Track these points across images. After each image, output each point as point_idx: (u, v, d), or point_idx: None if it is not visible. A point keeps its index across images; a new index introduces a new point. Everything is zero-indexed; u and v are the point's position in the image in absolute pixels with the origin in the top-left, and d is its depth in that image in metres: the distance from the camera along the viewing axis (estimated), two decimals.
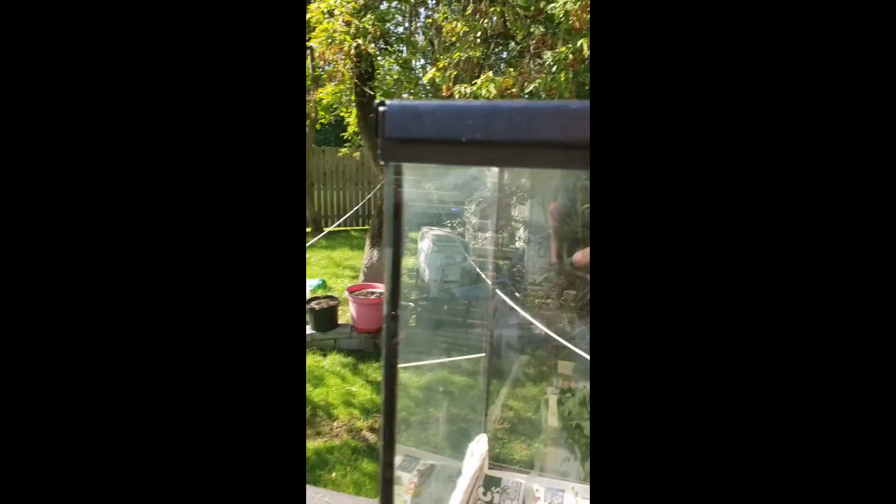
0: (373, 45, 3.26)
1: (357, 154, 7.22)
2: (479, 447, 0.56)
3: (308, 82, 5.02)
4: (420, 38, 4.13)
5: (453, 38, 3.13)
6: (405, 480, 0.40)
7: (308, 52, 3.56)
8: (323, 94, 4.71)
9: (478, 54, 3.01)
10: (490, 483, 0.56)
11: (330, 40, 3.03)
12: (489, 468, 0.56)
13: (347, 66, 3.19)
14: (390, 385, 0.34)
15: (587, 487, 0.53)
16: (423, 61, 4.67)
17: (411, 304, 4.17)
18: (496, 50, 3.20)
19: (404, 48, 4.25)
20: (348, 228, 8.06)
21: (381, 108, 0.27)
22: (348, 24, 3.04)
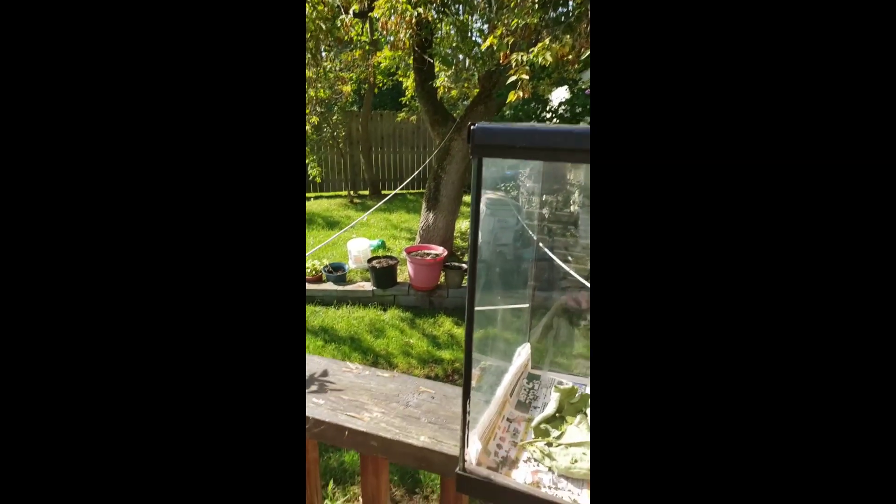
0: (433, 12, 3.35)
1: (414, 118, 7.35)
2: (523, 352, 0.74)
3: (367, 47, 5.16)
4: (480, 2, 4.16)
5: (511, 4, 3.17)
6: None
7: (367, 21, 3.69)
8: (381, 58, 4.85)
9: (535, 20, 3.04)
10: (532, 378, 0.74)
11: (392, 10, 3.16)
12: (532, 368, 0.75)
13: (408, 35, 3.32)
14: (468, 343, 0.50)
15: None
16: (479, 23, 4.69)
17: (464, 265, 4.34)
18: (553, 15, 3.21)
19: (461, 7, 4.28)
20: (404, 192, 8.28)
21: (472, 127, 0.43)
22: None
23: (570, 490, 0.53)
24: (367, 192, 8.24)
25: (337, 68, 5.92)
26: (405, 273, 4.43)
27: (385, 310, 4.15)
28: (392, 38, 3.32)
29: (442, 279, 4.40)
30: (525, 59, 2.76)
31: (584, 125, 0.39)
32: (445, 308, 4.16)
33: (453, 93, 5.95)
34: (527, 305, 0.82)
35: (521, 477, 0.54)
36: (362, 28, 4.59)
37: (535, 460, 0.56)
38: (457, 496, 0.66)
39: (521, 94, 2.82)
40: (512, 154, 0.44)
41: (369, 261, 4.46)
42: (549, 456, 0.56)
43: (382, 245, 5.36)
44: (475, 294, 0.49)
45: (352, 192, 7.99)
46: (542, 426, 0.61)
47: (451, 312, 4.09)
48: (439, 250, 4.41)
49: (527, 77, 2.76)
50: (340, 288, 4.35)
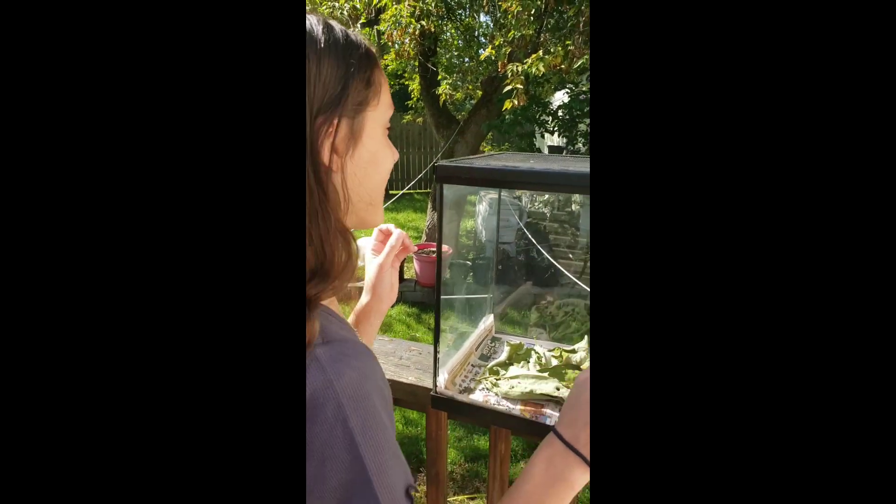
0: (437, 21, 3.59)
1: (420, 119, 7.59)
2: (487, 321, 1.00)
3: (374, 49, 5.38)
4: (481, 17, 4.39)
5: (509, 16, 3.40)
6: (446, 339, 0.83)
7: (375, 32, 3.95)
8: (388, 61, 5.10)
9: (530, 32, 3.26)
10: (494, 339, 0.99)
11: (396, 23, 3.40)
12: (495, 333, 1.01)
13: (412, 45, 3.56)
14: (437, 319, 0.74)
15: (553, 344, 0.95)
16: (486, 20, 4.92)
17: (468, 262, 4.58)
18: (548, 26, 3.43)
19: (465, 11, 4.50)
20: (412, 192, 8.53)
21: (437, 164, 0.67)
22: (413, 6, 3.38)
23: (507, 406, 0.77)
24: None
25: None
26: (412, 270, 4.68)
27: (392, 305, 4.40)
28: (397, 46, 3.56)
29: (448, 276, 4.63)
30: (520, 69, 2.98)
31: (527, 154, 0.62)
32: (451, 304, 4.40)
33: (458, 95, 6.19)
34: (489, 295, 1.06)
35: (476, 398, 0.78)
36: (369, 37, 4.84)
37: (487, 389, 0.80)
38: (437, 421, 0.91)
39: (516, 102, 3.05)
40: (464, 182, 0.68)
41: None
42: (496, 385, 0.80)
43: None
44: (441, 278, 0.73)
45: None
46: (494, 368, 0.85)
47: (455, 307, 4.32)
48: (444, 248, 4.64)
49: (521, 87, 2.99)
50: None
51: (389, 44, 3.70)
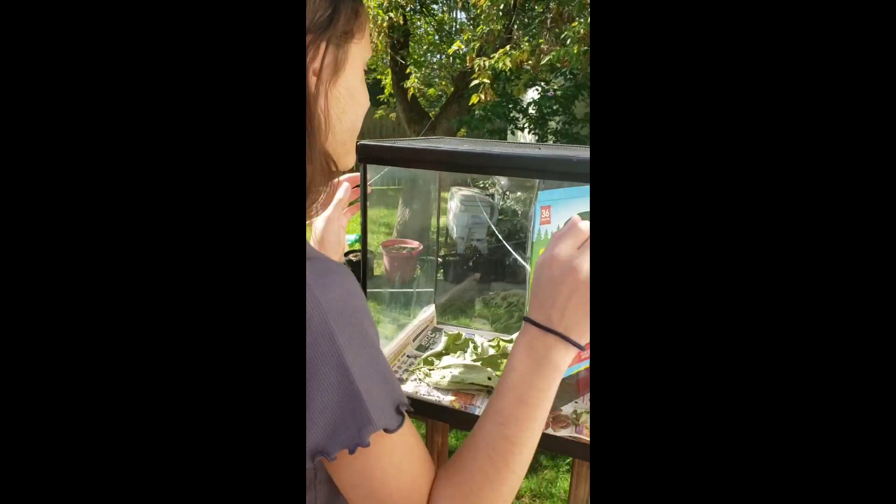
0: (408, 14, 3.55)
1: (393, 115, 7.54)
2: (427, 311, 0.98)
3: None
4: (457, 14, 4.37)
5: (478, 11, 3.38)
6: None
7: None
8: None
9: (499, 27, 3.26)
10: (436, 330, 0.97)
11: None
12: (437, 324, 0.98)
13: (380, 38, 3.52)
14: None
15: (493, 335, 0.93)
16: (463, 18, 4.90)
17: (440, 259, 4.57)
18: (519, 22, 3.43)
19: (439, 6, 4.47)
20: (385, 187, 8.46)
21: (360, 143, 0.65)
22: None
23: (438, 396, 0.75)
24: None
25: None
26: (382, 266, 4.63)
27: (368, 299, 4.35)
28: None
29: (418, 272, 4.61)
30: (487, 64, 2.97)
31: (450, 138, 0.60)
32: (419, 300, 4.38)
33: (431, 91, 6.16)
34: (431, 290, 1.04)
35: (406, 388, 0.76)
36: None
37: (419, 379, 0.78)
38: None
39: (483, 97, 3.04)
40: (388, 162, 0.66)
41: (346, 254, 4.66)
42: (428, 375, 0.78)
43: (358, 239, 5.54)
44: (366, 267, 0.71)
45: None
46: (429, 358, 0.83)
47: (422, 303, 4.30)
48: (415, 244, 4.62)
49: (487, 81, 2.98)
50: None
51: None
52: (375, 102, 7.91)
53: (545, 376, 0.47)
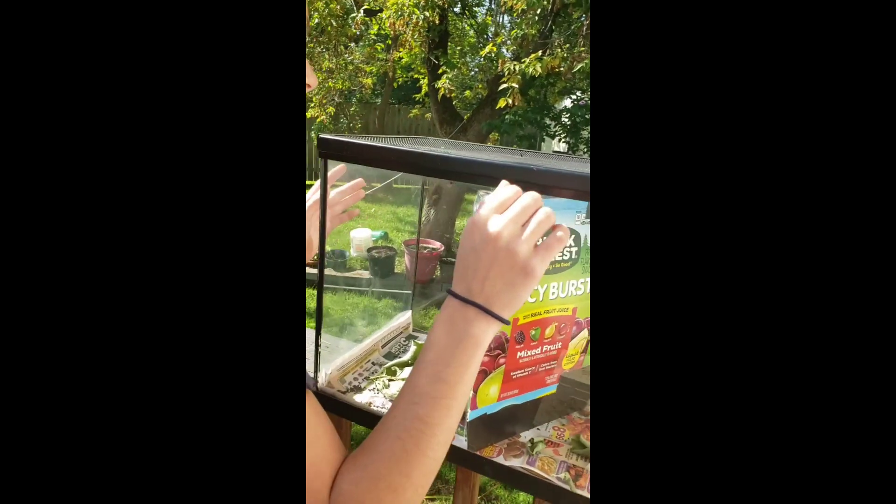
0: (446, 13, 3.52)
1: (428, 115, 7.54)
2: (403, 317, 0.94)
3: (389, 41, 5.36)
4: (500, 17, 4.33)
5: (514, 14, 3.33)
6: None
7: (376, 19, 3.89)
8: (403, 53, 5.05)
9: (533, 32, 3.20)
10: (410, 337, 0.93)
11: (399, 13, 3.35)
12: (413, 331, 0.95)
13: (414, 37, 3.50)
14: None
15: None
16: (505, 20, 4.86)
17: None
18: (552, 27, 3.36)
19: (484, 8, 4.43)
20: (416, 186, 8.47)
21: (321, 137, 0.61)
22: None
23: None
24: (378, 184, 8.45)
25: (357, 60, 6.11)
26: (403, 264, 4.62)
27: (380, 299, 4.35)
28: (399, 37, 3.51)
29: (438, 273, 4.58)
30: (517, 68, 2.92)
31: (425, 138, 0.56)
32: (438, 301, 4.35)
33: (467, 94, 6.12)
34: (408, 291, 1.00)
35: (361, 399, 0.72)
36: (369, 25, 4.78)
37: (378, 390, 0.75)
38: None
39: (511, 101, 2.99)
40: (348, 159, 0.62)
41: (369, 250, 4.67)
42: (386, 386, 0.74)
43: (385, 236, 5.56)
44: (324, 261, 0.68)
45: (375, 185, 8.19)
46: (392, 368, 0.79)
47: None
48: (436, 245, 4.59)
49: (516, 85, 2.92)
50: (339, 274, 4.57)
51: (392, 34, 3.65)
52: (411, 102, 7.95)
53: (464, 350, 0.43)
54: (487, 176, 0.54)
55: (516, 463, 0.61)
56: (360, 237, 4.94)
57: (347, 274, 4.56)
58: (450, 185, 4.78)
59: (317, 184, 0.75)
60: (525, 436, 0.66)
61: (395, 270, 4.61)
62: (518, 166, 0.52)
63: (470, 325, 0.43)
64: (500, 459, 0.61)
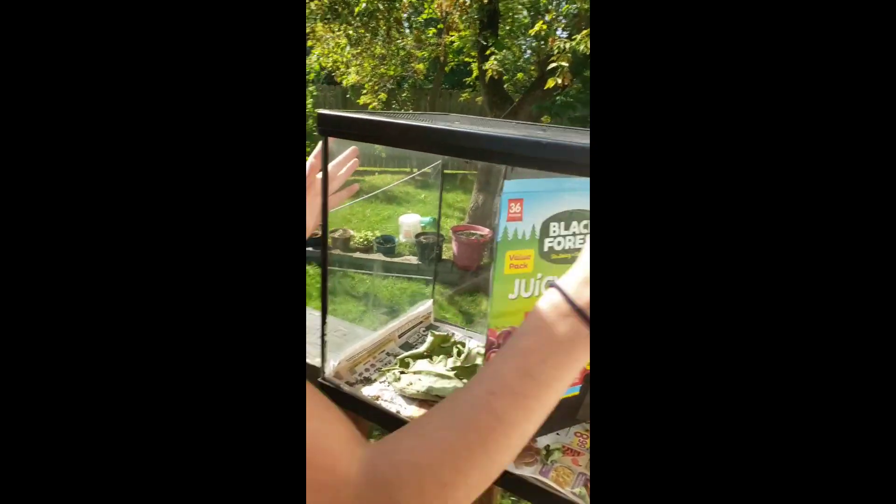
0: None
1: (480, 98, 7.42)
2: (423, 306, 0.89)
3: (440, 25, 5.28)
4: None
5: None
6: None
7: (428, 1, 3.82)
8: (454, 37, 4.97)
9: (587, 7, 3.03)
10: (430, 328, 0.88)
11: None
12: (434, 321, 0.90)
13: (462, 18, 3.41)
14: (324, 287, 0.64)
15: (482, 336, 0.82)
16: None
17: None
18: None
19: None
20: (465, 171, 8.40)
21: (319, 113, 0.57)
22: None
23: (400, 405, 0.66)
24: (429, 170, 8.44)
25: (409, 46, 6.07)
26: (451, 251, 4.59)
27: (427, 284, 4.34)
28: (447, 19, 3.43)
29: (486, 260, 4.51)
30: (567, 46, 2.78)
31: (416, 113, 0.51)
32: (485, 290, 4.29)
33: (519, 76, 5.95)
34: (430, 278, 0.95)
35: (369, 392, 0.68)
36: (417, 8, 4.70)
37: (388, 382, 0.70)
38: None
39: (559, 80, 2.85)
40: (350, 136, 0.57)
41: (417, 236, 4.66)
42: (397, 379, 0.70)
43: (433, 222, 5.54)
44: (327, 245, 0.64)
45: (414, 170, 8.21)
46: (406, 360, 0.75)
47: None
48: (485, 231, 4.52)
49: (566, 64, 2.78)
50: (388, 259, 4.59)
51: (439, 14, 3.57)
52: (461, 85, 7.84)
53: (567, 353, 0.36)
54: (494, 151, 0.48)
55: (528, 472, 0.55)
56: (409, 223, 4.94)
57: (396, 259, 4.58)
58: (478, 166, 4.67)
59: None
60: (541, 441, 0.60)
61: (443, 257, 4.58)
62: (526, 140, 0.46)
63: (577, 331, 0.36)
64: (511, 467, 0.56)
